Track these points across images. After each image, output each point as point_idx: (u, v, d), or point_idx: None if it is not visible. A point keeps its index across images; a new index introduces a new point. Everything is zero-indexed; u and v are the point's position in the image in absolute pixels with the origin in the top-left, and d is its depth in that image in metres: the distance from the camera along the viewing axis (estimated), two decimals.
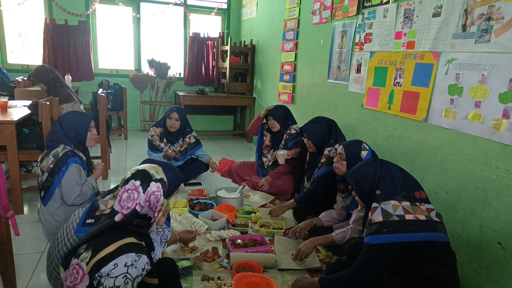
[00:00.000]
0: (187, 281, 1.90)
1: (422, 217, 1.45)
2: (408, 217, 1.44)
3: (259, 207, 2.95)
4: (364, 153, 2.17)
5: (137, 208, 1.27)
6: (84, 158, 2.24)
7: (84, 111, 3.69)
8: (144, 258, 1.19)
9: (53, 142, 2.14)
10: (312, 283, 1.69)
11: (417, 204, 1.48)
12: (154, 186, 1.32)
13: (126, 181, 1.33)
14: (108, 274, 1.12)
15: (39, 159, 2.16)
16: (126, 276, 1.14)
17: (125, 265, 1.14)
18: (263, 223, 2.59)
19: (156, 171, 1.37)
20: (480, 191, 1.91)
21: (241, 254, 2.08)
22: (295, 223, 2.68)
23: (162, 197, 1.34)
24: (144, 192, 1.29)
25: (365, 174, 1.59)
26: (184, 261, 2.09)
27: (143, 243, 1.27)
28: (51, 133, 2.18)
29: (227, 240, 2.28)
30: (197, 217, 2.60)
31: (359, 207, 2.06)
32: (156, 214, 1.33)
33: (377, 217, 1.48)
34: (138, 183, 1.31)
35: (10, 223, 1.69)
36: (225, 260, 2.13)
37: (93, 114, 2.29)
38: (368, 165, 1.62)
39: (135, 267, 1.16)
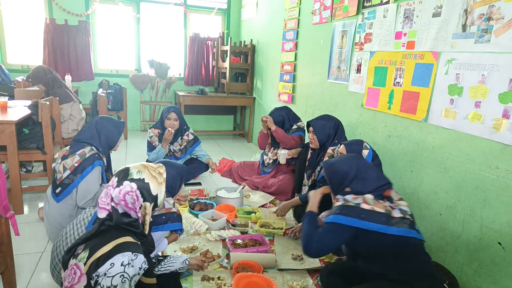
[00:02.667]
0: (187, 281, 1.90)
1: (381, 210, 1.49)
2: (364, 206, 1.50)
3: (259, 207, 2.95)
4: (365, 152, 2.18)
5: (113, 204, 1.25)
6: (105, 164, 2.29)
7: (84, 111, 3.70)
8: (141, 257, 1.18)
9: (81, 143, 2.19)
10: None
11: (381, 201, 1.54)
12: (127, 186, 1.26)
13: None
14: (105, 274, 1.12)
15: (60, 156, 2.17)
16: (123, 275, 1.13)
17: (121, 264, 1.14)
18: (263, 223, 2.59)
19: (138, 171, 1.30)
20: (480, 191, 1.91)
21: (241, 254, 2.08)
22: (295, 223, 2.68)
23: (142, 199, 1.28)
24: (116, 189, 1.26)
25: (339, 170, 1.65)
26: None
27: (139, 242, 1.26)
28: (81, 134, 2.24)
29: (227, 240, 2.28)
30: (197, 217, 2.60)
31: None
32: (139, 215, 1.28)
33: (338, 203, 1.59)
34: (116, 179, 1.29)
35: (10, 223, 1.70)
36: (225, 260, 2.13)
37: (124, 123, 2.44)
38: (346, 161, 1.67)
39: (132, 266, 1.15)
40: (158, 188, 1.33)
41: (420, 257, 1.53)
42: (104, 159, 2.26)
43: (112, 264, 1.13)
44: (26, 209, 2.74)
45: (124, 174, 1.29)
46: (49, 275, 1.91)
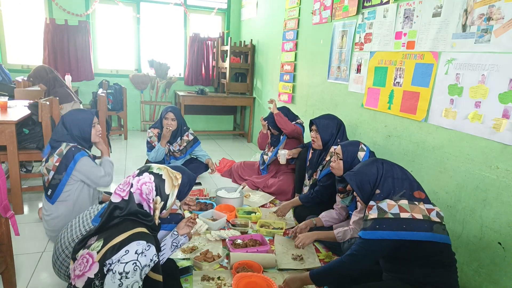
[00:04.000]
0: (187, 281, 1.90)
1: (419, 216, 1.44)
2: (404, 215, 1.43)
3: (259, 207, 2.95)
4: (361, 154, 2.17)
5: (132, 190, 1.34)
6: (90, 153, 2.27)
7: None
8: (153, 249, 1.23)
9: (57, 142, 2.17)
10: (303, 280, 1.68)
11: (416, 203, 1.48)
12: (146, 177, 1.38)
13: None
14: (118, 260, 1.16)
15: (44, 159, 2.18)
16: (135, 263, 1.17)
17: (135, 252, 1.18)
18: (263, 223, 2.59)
19: (159, 167, 1.44)
20: (480, 191, 1.91)
21: (241, 254, 2.08)
22: (295, 223, 2.68)
23: (154, 193, 1.38)
24: (136, 178, 1.37)
25: (366, 175, 1.58)
26: (184, 261, 2.09)
27: (153, 235, 1.32)
28: (54, 134, 2.20)
29: (227, 240, 2.28)
30: (197, 217, 2.60)
31: (358, 208, 2.06)
32: (151, 206, 1.38)
33: (372, 214, 1.49)
34: (137, 171, 1.40)
35: (10, 223, 1.70)
36: (225, 260, 2.13)
37: (95, 110, 2.32)
38: (369, 166, 1.60)
39: (145, 255, 1.20)
40: (171, 189, 1.43)
41: (452, 271, 1.50)
42: (86, 151, 2.22)
43: (127, 251, 1.18)
44: (26, 209, 2.74)
45: (146, 168, 1.43)
46: (49, 275, 1.92)
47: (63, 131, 2.16)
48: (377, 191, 1.53)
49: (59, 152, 2.12)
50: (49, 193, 2.14)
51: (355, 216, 2.07)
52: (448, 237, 1.48)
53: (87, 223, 1.74)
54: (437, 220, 1.46)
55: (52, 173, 2.11)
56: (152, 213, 1.38)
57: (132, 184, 1.36)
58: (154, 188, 1.38)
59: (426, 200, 1.52)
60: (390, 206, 1.47)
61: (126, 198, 1.33)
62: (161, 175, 1.41)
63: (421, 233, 1.41)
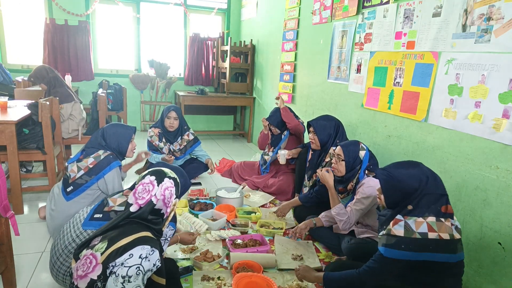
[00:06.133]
0: (187, 281, 1.90)
1: (446, 236, 1.38)
2: (431, 235, 1.37)
3: (259, 207, 2.95)
4: (362, 153, 2.17)
5: (153, 199, 1.35)
6: (122, 165, 2.31)
7: (84, 111, 3.70)
8: (157, 254, 1.23)
9: (92, 149, 2.21)
10: (316, 277, 1.71)
11: (442, 220, 1.40)
12: (168, 182, 1.41)
13: (142, 177, 1.43)
14: (122, 263, 1.17)
15: (74, 157, 2.21)
16: (139, 268, 1.18)
17: (139, 257, 1.19)
18: (263, 223, 2.59)
19: (170, 171, 1.48)
20: (480, 191, 1.91)
21: (241, 254, 2.09)
22: (295, 223, 2.68)
23: (174, 196, 1.43)
24: (158, 185, 1.38)
25: (402, 183, 1.45)
26: (184, 261, 2.09)
27: (157, 239, 1.33)
28: (90, 143, 2.25)
29: (227, 240, 2.28)
30: (197, 217, 2.60)
31: (354, 200, 2.07)
32: (168, 211, 1.41)
33: (398, 230, 1.40)
34: (153, 178, 1.40)
35: (10, 223, 1.70)
36: (225, 260, 2.13)
37: (135, 127, 2.39)
38: (412, 175, 1.46)
39: (149, 260, 1.20)
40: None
41: (457, 280, 1.48)
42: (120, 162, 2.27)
43: (131, 255, 1.18)
44: (26, 209, 2.74)
45: (160, 173, 1.44)
46: (49, 275, 1.92)
47: (101, 141, 2.23)
48: (409, 207, 1.43)
49: (96, 156, 2.16)
50: (69, 189, 2.15)
51: (349, 208, 2.08)
52: (463, 253, 1.43)
53: (77, 228, 1.71)
54: (458, 236, 1.41)
55: (82, 172, 2.13)
56: (167, 216, 1.41)
57: (153, 192, 1.36)
58: (174, 192, 1.43)
59: (452, 216, 1.45)
60: (418, 224, 1.39)
61: (144, 206, 1.34)
62: (176, 178, 1.47)
63: (445, 255, 1.37)
